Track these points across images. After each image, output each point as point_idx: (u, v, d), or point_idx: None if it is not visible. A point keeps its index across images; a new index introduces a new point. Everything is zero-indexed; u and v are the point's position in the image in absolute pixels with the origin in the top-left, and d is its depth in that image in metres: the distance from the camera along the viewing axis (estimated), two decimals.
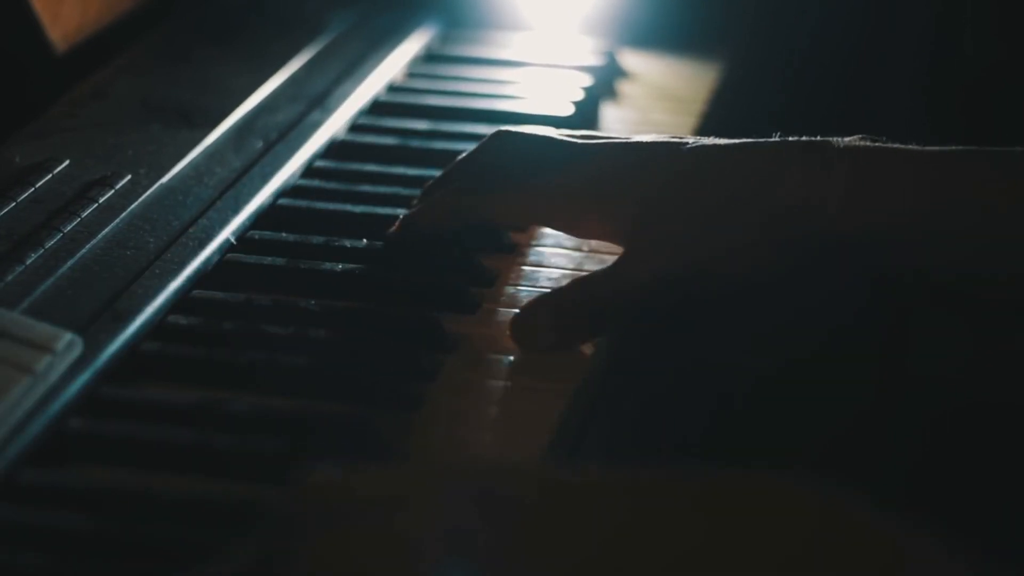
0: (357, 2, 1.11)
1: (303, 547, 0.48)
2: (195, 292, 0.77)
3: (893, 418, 0.89)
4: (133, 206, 0.81)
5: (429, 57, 1.09)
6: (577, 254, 0.84)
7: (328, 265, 0.79)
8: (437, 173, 0.88)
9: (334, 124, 0.95)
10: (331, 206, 0.86)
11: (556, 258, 0.83)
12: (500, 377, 0.72)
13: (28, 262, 0.74)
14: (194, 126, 0.91)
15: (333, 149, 0.94)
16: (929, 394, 0.88)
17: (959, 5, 1.16)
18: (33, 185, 0.81)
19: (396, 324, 0.75)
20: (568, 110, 0.99)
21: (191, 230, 0.80)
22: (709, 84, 1.09)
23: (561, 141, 0.80)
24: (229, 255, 0.80)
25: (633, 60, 1.12)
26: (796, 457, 0.84)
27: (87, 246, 0.77)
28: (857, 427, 0.88)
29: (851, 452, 0.87)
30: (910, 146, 0.75)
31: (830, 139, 0.75)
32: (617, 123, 1.03)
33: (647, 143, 0.79)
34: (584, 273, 0.81)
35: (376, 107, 1.00)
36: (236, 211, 0.83)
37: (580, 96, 1.01)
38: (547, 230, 0.85)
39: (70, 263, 0.75)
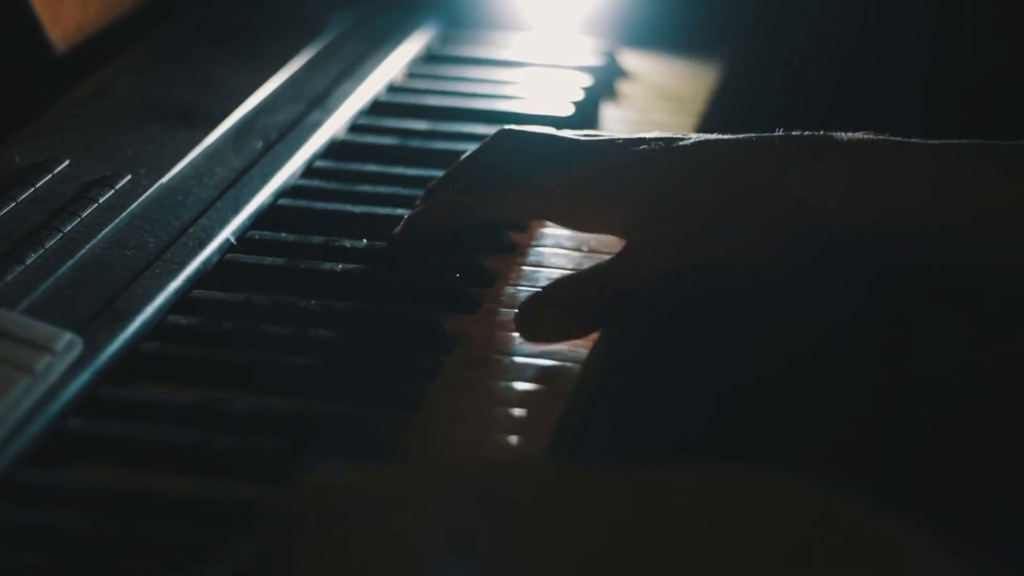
0: (357, 2, 1.11)
1: (303, 547, 0.48)
2: (195, 292, 0.77)
3: (893, 418, 0.89)
4: (133, 206, 0.81)
5: (429, 57, 1.09)
6: (577, 254, 0.84)
7: (328, 265, 0.79)
8: (437, 173, 0.88)
9: (334, 124, 0.95)
10: (331, 206, 0.86)
11: (556, 258, 0.83)
12: (500, 377, 0.72)
13: (28, 262, 0.74)
14: (194, 126, 0.91)
15: (333, 149, 0.94)
16: (929, 394, 0.88)
17: (959, 5, 1.16)
18: (33, 185, 0.81)
19: (396, 324, 0.75)
20: (568, 110, 0.99)
21: (191, 230, 0.80)
22: (709, 84, 1.09)
23: (563, 139, 0.80)
24: (229, 255, 0.80)
25: (633, 60, 1.12)
26: (796, 457, 0.84)
27: (87, 246, 0.77)
28: (857, 427, 0.88)
29: (851, 452, 0.87)
30: (911, 140, 0.75)
31: (832, 134, 0.75)
32: (617, 123, 1.03)
33: (648, 140, 0.79)
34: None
35: (376, 107, 1.00)
36: (236, 211, 0.83)
37: (580, 96, 1.01)
38: (547, 230, 0.85)
39: (70, 263, 0.75)
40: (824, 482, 0.48)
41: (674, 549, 0.47)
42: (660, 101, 1.07)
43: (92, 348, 0.69)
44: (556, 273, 0.82)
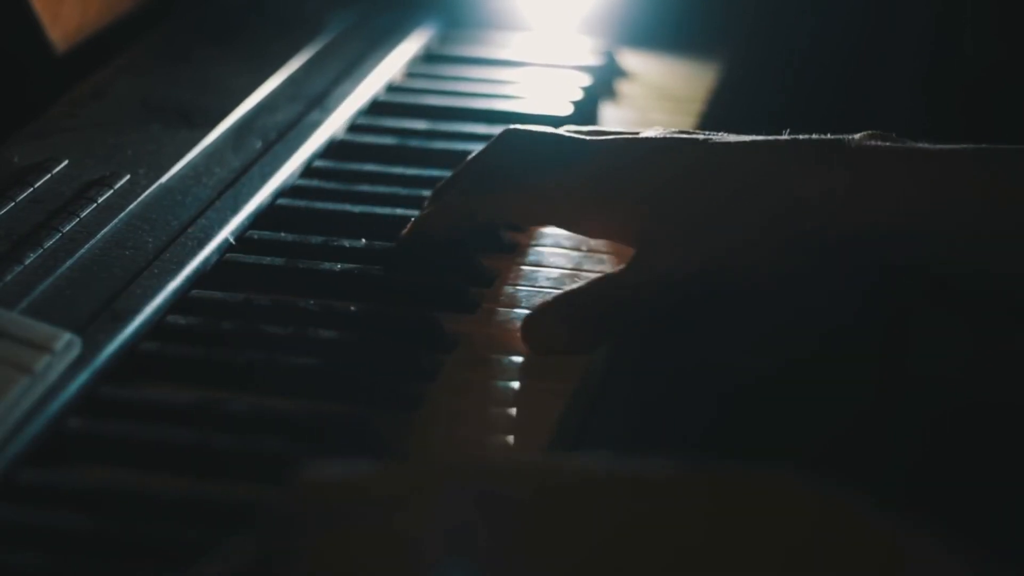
0: (356, 2, 1.11)
1: (303, 547, 0.48)
2: (194, 292, 0.77)
3: (893, 418, 0.89)
4: (132, 206, 0.81)
5: (428, 57, 1.09)
6: (576, 254, 0.84)
7: (327, 265, 0.79)
8: (436, 173, 0.88)
9: (333, 124, 0.95)
10: (330, 206, 0.86)
11: (555, 258, 0.83)
12: (500, 377, 0.72)
13: (27, 262, 0.74)
14: (194, 126, 0.91)
15: (332, 149, 0.94)
16: (929, 394, 0.88)
17: (959, 5, 1.16)
18: (32, 185, 0.81)
19: (396, 324, 0.75)
20: (567, 110, 0.99)
21: (190, 230, 0.80)
22: (708, 84, 1.09)
23: (568, 139, 0.80)
24: (228, 255, 0.80)
25: (632, 60, 1.12)
26: (796, 457, 0.84)
27: (86, 246, 0.77)
28: (857, 427, 0.88)
29: (851, 452, 0.87)
30: (914, 145, 0.75)
31: (841, 137, 0.75)
32: (617, 123, 1.03)
33: (652, 139, 0.79)
34: (585, 273, 0.81)
35: (375, 107, 1.00)
36: (235, 211, 0.83)
37: (579, 96, 1.01)
38: (546, 230, 0.85)
39: (69, 263, 0.75)
40: (824, 482, 0.48)
41: (674, 549, 0.47)
42: (659, 101, 1.07)
43: (91, 348, 0.69)
44: (555, 273, 0.82)
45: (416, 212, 0.84)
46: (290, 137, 0.92)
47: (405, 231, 0.81)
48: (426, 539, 0.47)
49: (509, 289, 0.80)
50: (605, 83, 1.07)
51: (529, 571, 0.47)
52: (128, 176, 0.84)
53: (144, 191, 0.83)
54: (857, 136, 0.76)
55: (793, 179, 0.74)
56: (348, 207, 0.86)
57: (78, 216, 0.79)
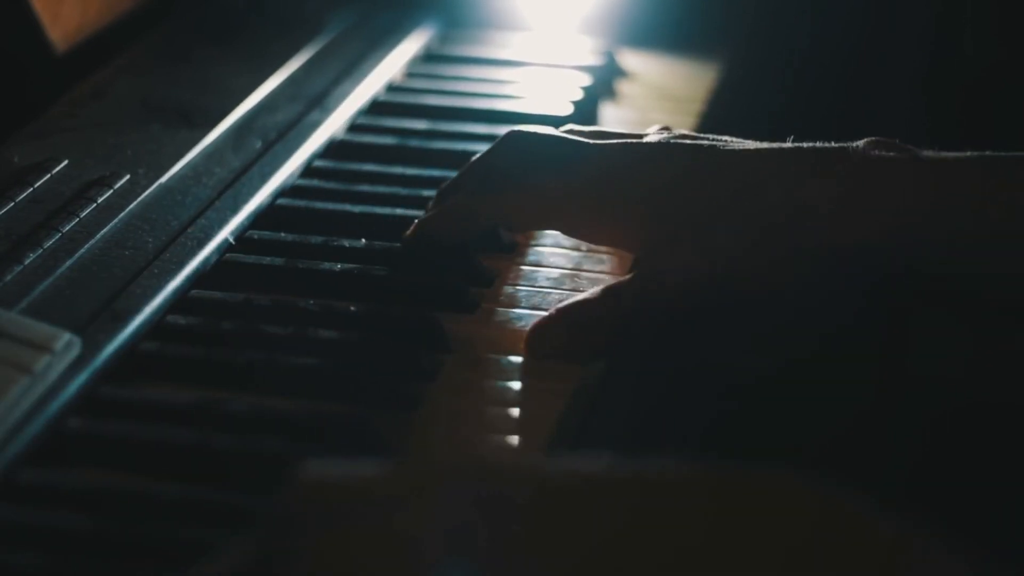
0: (356, 2, 1.11)
1: (303, 547, 0.48)
2: (194, 292, 0.77)
3: (893, 418, 0.89)
4: (132, 206, 0.81)
5: (428, 57, 1.09)
6: (576, 254, 0.84)
7: (327, 265, 0.79)
8: (436, 173, 0.88)
9: (333, 124, 0.95)
10: (330, 206, 0.86)
11: (555, 258, 0.83)
12: (500, 377, 0.72)
13: (27, 262, 0.74)
14: (194, 126, 0.91)
15: (332, 149, 0.94)
16: (929, 394, 0.88)
17: (959, 5, 1.16)
18: (32, 185, 0.81)
19: (396, 324, 0.75)
20: (567, 110, 0.99)
21: (190, 230, 0.80)
22: (708, 84, 1.09)
23: (571, 141, 0.80)
24: (228, 255, 0.80)
25: (632, 60, 1.12)
26: (796, 457, 0.84)
27: (86, 246, 0.77)
28: (857, 427, 0.88)
29: (851, 452, 0.87)
30: (916, 151, 0.75)
31: (846, 145, 0.75)
32: (616, 123, 1.03)
33: (652, 142, 0.79)
34: (584, 273, 0.81)
35: (375, 107, 1.00)
36: (235, 211, 0.83)
37: (579, 96, 1.01)
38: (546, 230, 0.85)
39: (69, 263, 0.75)
40: (824, 482, 0.48)
41: (674, 549, 0.47)
42: (659, 101, 1.07)
43: (91, 348, 0.69)
44: (555, 273, 0.82)
45: (416, 212, 0.84)
46: (290, 137, 0.92)
47: (409, 232, 0.81)
48: (426, 539, 0.47)
49: (509, 289, 0.80)
50: (605, 83, 1.07)
51: (529, 571, 0.47)
52: (128, 176, 0.84)
53: (144, 191, 0.83)
54: (861, 144, 0.76)
55: (794, 182, 0.74)
56: (348, 207, 0.86)
57: (78, 216, 0.79)
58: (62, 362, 0.67)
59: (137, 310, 0.73)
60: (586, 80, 1.04)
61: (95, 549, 0.59)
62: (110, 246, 0.78)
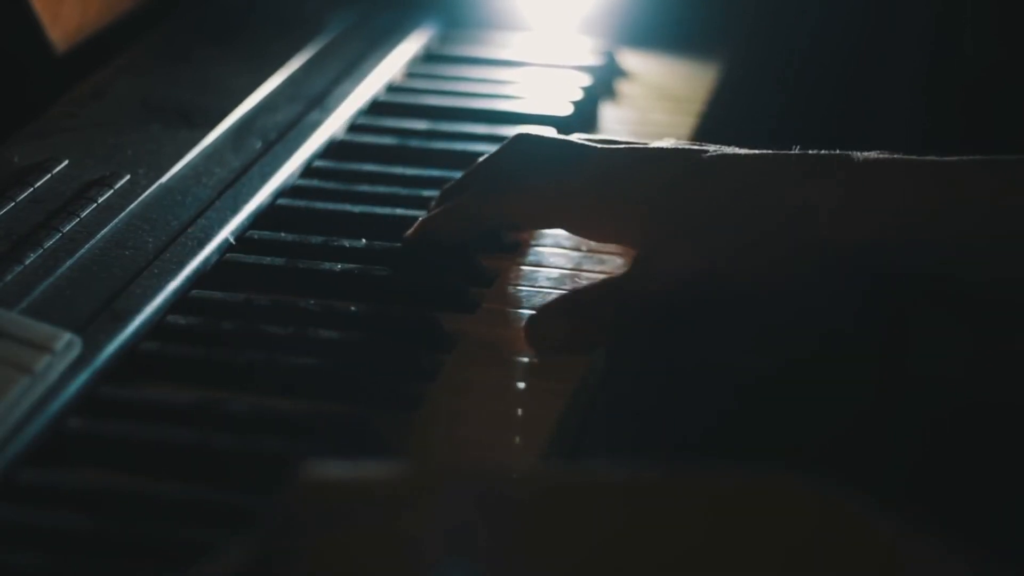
0: (356, 2, 1.11)
1: (303, 547, 0.48)
2: (194, 292, 0.77)
3: (893, 418, 0.89)
4: (132, 206, 0.81)
5: (428, 57, 1.09)
6: (576, 254, 0.84)
7: (327, 265, 0.79)
8: (436, 173, 0.88)
9: (333, 124, 0.95)
10: (330, 206, 0.86)
11: (555, 258, 0.83)
12: (500, 377, 0.72)
13: (27, 262, 0.74)
14: (194, 126, 0.91)
15: (332, 149, 0.94)
16: (929, 394, 0.88)
17: (959, 5, 1.16)
18: (32, 185, 0.81)
19: (396, 324, 0.75)
20: (567, 110, 0.99)
21: (190, 230, 0.80)
22: (708, 84, 1.09)
23: (576, 144, 0.80)
24: (228, 255, 0.80)
25: (632, 60, 1.12)
26: (796, 457, 0.84)
27: (86, 246, 0.77)
28: (857, 427, 0.88)
29: (851, 452, 0.87)
30: (916, 158, 0.75)
31: (850, 153, 0.75)
32: (616, 123, 1.03)
33: (656, 147, 0.79)
34: (585, 273, 0.81)
35: (375, 107, 1.00)
36: (235, 211, 0.83)
37: (579, 96, 1.01)
38: (547, 230, 0.85)
39: (69, 263, 0.75)
40: (824, 482, 0.48)
41: (674, 549, 0.47)
42: (659, 101, 1.07)
43: (91, 348, 0.69)
44: (555, 273, 0.82)
45: (416, 212, 0.84)
46: (290, 137, 0.92)
47: (411, 232, 0.81)
48: (426, 539, 0.47)
49: (509, 289, 0.80)
50: (605, 83, 1.07)
51: (529, 571, 0.47)
52: (128, 176, 0.84)
53: (144, 191, 0.83)
54: (864, 154, 0.76)
55: (794, 182, 0.74)
56: (348, 207, 0.86)
57: (78, 216, 0.79)
58: (62, 362, 0.67)
59: (137, 310, 0.73)
60: (586, 80, 1.04)
61: (95, 549, 0.59)
62: (110, 246, 0.78)
